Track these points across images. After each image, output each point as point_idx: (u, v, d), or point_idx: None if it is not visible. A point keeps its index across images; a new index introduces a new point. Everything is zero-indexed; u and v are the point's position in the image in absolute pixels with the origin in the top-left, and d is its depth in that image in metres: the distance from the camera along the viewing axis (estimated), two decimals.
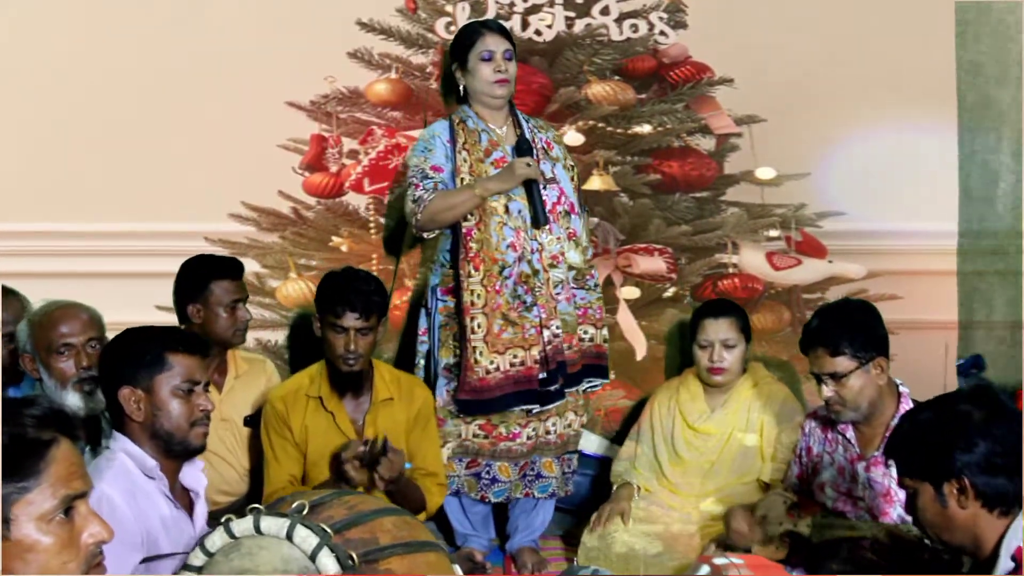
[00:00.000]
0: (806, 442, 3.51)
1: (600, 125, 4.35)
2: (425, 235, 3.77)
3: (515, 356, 3.65)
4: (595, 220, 4.31)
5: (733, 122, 4.40)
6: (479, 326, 3.64)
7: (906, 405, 3.25)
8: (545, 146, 3.81)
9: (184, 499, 2.61)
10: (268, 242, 4.35)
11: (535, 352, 3.65)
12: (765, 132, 4.39)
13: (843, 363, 3.20)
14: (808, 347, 3.29)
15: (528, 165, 3.61)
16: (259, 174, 4.31)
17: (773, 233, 4.41)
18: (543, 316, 3.66)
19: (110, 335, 4.13)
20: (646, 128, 4.38)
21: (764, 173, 4.40)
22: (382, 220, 4.38)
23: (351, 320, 3.34)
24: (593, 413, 4.24)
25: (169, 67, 4.24)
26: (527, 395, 3.67)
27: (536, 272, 3.67)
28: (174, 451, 2.53)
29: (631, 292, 4.42)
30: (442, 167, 3.76)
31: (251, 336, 4.34)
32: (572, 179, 3.84)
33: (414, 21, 4.32)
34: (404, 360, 4.11)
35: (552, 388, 3.68)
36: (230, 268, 3.70)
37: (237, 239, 4.33)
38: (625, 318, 4.40)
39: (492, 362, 3.63)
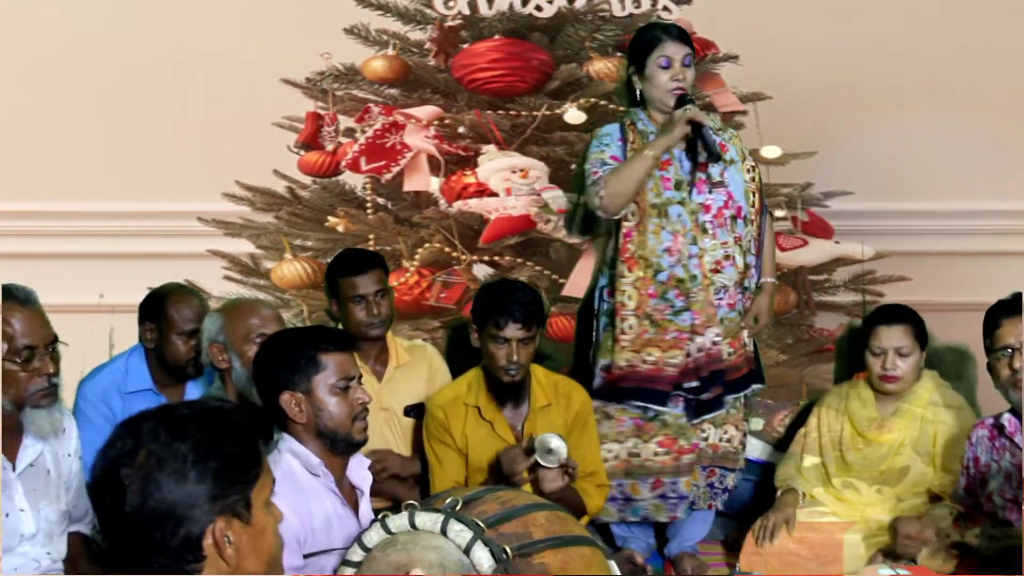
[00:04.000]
0: (973, 452, 3.35)
1: (602, 103, 4.27)
2: (616, 216, 3.63)
3: (649, 355, 3.60)
4: None
5: (738, 100, 4.33)
6: (629, 327, 3.60)
7: None
8: (719, 149, 3.70)
9: (351, 497, 2.66)
10: (262, 222, 4.29)
11: (671, 355, 3.59)
12: (771, 110, 4.31)
13: None
14: (1004, 315, 3.12)
15: (687, 109, 3.51)
16: (253, 153, 4.24)
17: (779, 213, 4.32)
18: (695, 322, 3.59)
19: (102, 317, 4.12)
20: None
21: (769, 152, 4.32)
22: (379, 200, 4.31)
23: (513, 331, 3.31)
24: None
25: (161, 43, 4.19)
26: (652, 394, 3.62)
27: (693, 277, 3.58)
28: (338, 447, 2.60)
29: None
30: (620, 158, 3.66)
31: None
32: (753, 180, 3.72)
33: None
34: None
35: (703, 397, 3.63)
36: (356, 263, 3.69)
37: (231, 219, 4.27)
38: None
39: (628, 361, 3.61)
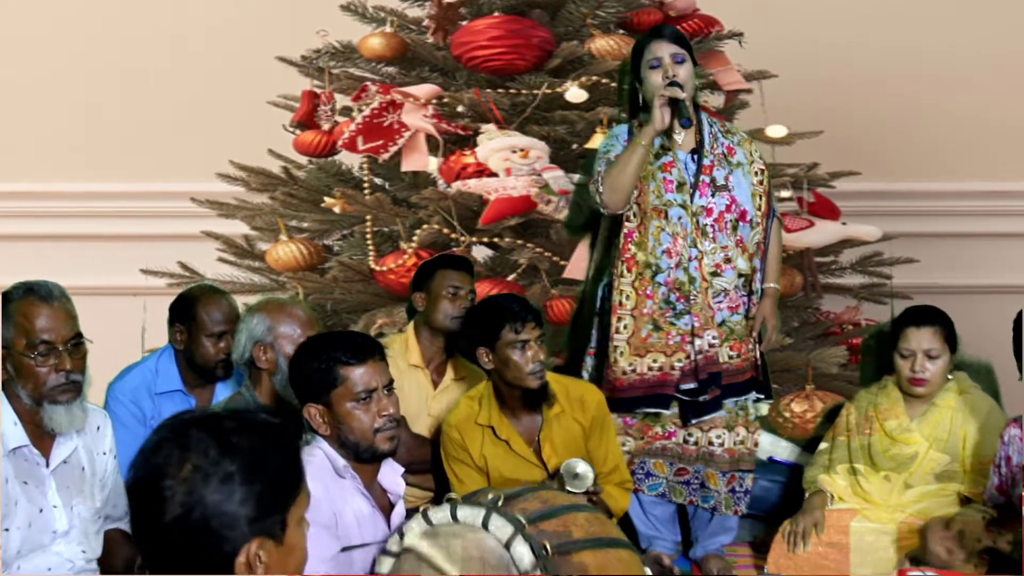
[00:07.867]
0: (1005, 452, 3.29)
1: (604, 81, 4.21)
2: (619, 211, 3.58)
3: (654, 360, 3.61)
4: None
5: (743, 78, 4.28)
6: (625, 327, 3.62)
7: None
8: (725, 151, 3.65)
9: (383, 500, 2.66)
10: (257, 203, 4.25)
11: (676, 359, 3.60)
12: (776, 88, 4.25)
13: None
14: None
15: (661, 95, 3.45)
16: (248, 132, 4.21)
17: (785, 193, 4.28)
18: (695, 325, 3.58)
19: (94, 300, 4.10)
20: None
21: (775, 131, 4.28)
22: (376, 180, 4.25)
23: (530, 331, 3.24)
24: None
25: (155, 21, 4.18)
26: (657, 399, 3.62)
27: (693, 280, 3.58)
28: (363, 457, 2.60)
29: None
30: None
31: (240, 301, 4.23)
32: (761, 183, 3.68)
33: None
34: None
35: (701, 399, 3.61)
36: (457, 260, 3.73)
37: (225, 199, 4.24)
38: None
39: (631, 364, 3.62)
